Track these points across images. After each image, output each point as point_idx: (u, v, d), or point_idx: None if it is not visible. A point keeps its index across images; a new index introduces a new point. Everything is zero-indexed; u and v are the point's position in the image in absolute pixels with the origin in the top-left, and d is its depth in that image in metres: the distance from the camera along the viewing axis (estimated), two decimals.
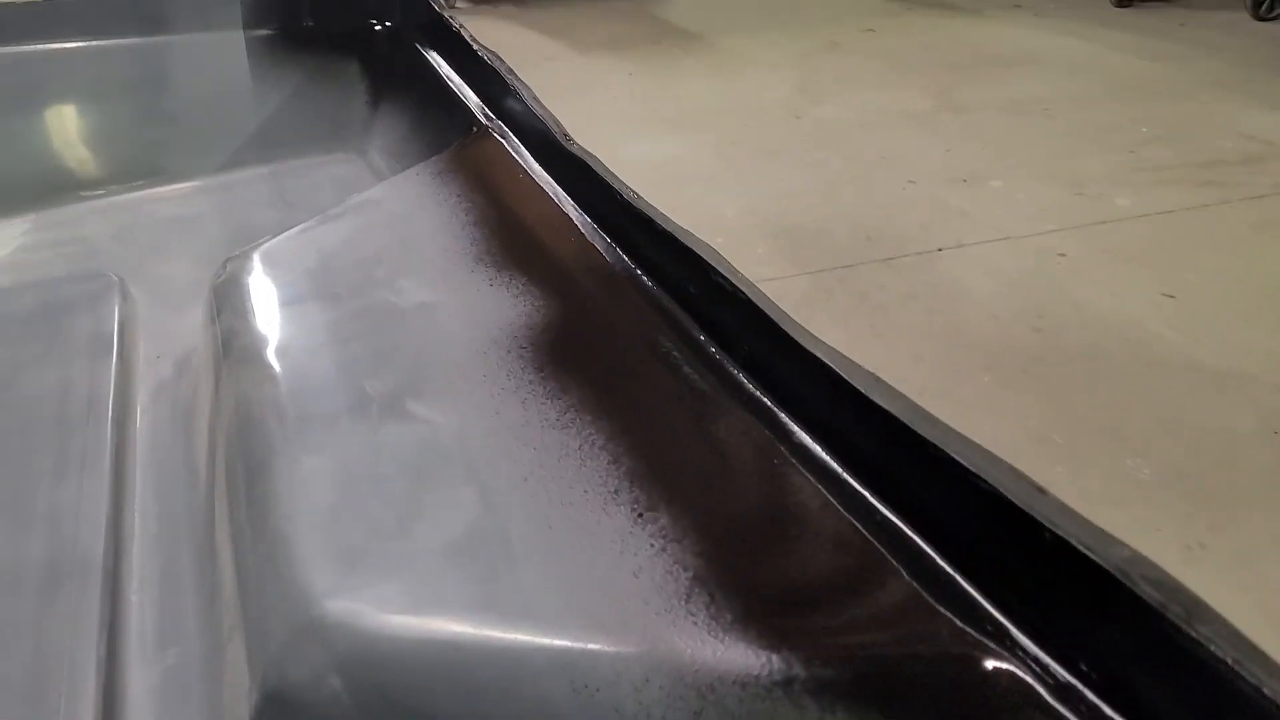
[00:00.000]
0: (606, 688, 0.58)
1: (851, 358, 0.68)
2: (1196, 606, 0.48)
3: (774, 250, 3.07)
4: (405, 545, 0.68)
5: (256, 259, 1.02)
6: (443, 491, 0.73)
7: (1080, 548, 0.52)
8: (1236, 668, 0.45)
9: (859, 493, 0.66)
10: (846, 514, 0.65)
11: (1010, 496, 0.55)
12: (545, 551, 0.67)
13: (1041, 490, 0.56)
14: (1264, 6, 5.24)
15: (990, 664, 0.56)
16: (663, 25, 5.57)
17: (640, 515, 0.69)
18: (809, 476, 0.69)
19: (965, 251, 3.08)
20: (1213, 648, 0.46)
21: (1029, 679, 0.54)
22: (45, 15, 1.43)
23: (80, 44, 1.45)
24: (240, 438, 0.81)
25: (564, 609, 0.62)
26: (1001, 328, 2.69)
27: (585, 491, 0.71)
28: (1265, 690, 0.44)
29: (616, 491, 0.71)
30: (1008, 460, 0.57)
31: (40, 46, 1.44)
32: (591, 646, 0.60)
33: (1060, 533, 0.53)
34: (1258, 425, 2.35)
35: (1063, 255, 3.07)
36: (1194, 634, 0.46)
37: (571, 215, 1.05)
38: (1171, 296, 2.89)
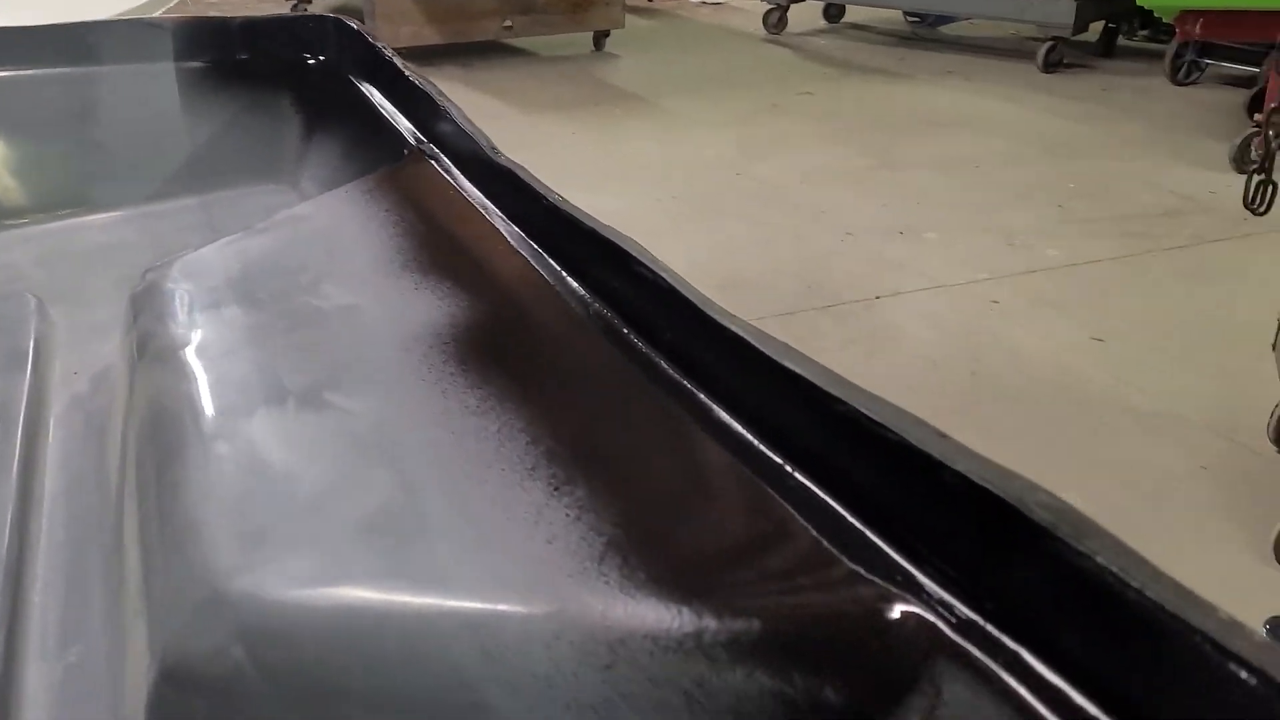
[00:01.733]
0: (517, 648, 0.57)
1: None
2: (1083, 524, 0.49)
3: (717, 299, 3.10)
4: (314, 524, 0.67)
5: (177, 268, 1.01)
6: (356, 474, 0.72)
7: (978, 480, 0.52)
8: (1123, 575, 0.45)
9: (772, 459, 0.67)
10: (758, 479, 0.66)
11: (913, 441, 0.56)
12: (458, 526, 0.66)
13: (942, 435, 0.57)
14: (1181, 72, 5.48)
15: (896, 609, 0.56)
16: (606, 88, 5.67)
17: (556, 489, 0.68)
18: (724, 448, 0.69)
19: (902, 300, 3.14)
20: (1099, 558, 0.46)
21: (933, 619, 0.54)
22: None
23: (9, 73, 1.45)
24: (152, 433, 0.79)
25: (474, 576, 0.62)
26: (939, 372, 2.73)
27: (502, 470, 0.71)
28: (1148, 593, 0.44)
29: (533, 468, 0.71)
30: None
31: None
32: (501, 608, 0.59)
33: (959, 468, 0.53)
34: (1187, 463, 2.40)
35: (996, 302, 3.15)
36: (1081, 548, 0.47)
37: (499, 226, 1.06)
38: (1100, 340, 2.96)
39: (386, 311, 0.93)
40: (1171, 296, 3.23)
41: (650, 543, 0.63)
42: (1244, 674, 0.41)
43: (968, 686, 0.52)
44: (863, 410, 0.60)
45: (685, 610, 0.58)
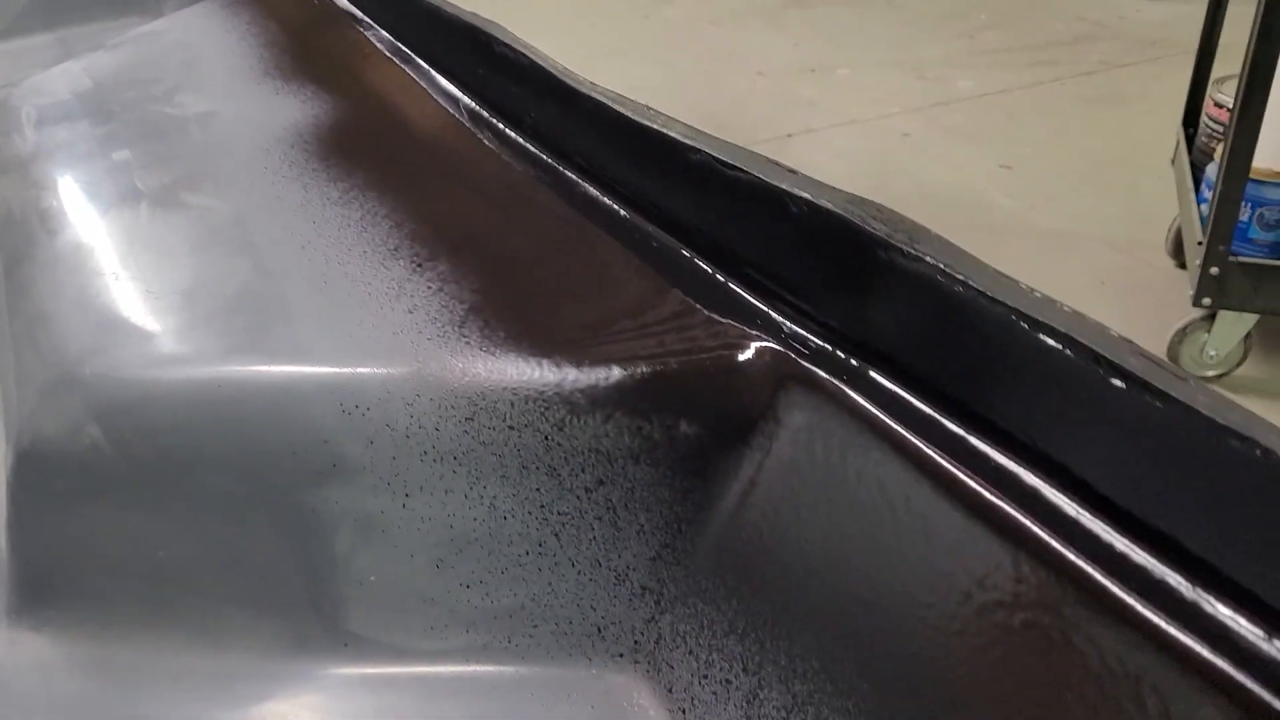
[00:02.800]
0: (377, 406, 0.57)
1: None
2: (917, 230, 0.49)
3: None
4: (170, 310, 0.65)
5: (26, 86, 0.96)
6: (214, 264, 0.70)
7: (817, 201, 0.53)
8: (950, 271, 0.46)
9: (629, 218, 0.66)
10: (615, 239, 0.65)
11: (759, 175, 0.56)
12: (318, 303, 0.65)
13: (791, 170, 0.57)
14: None
15: (751, 346, 0.57)
16: None
17: (419, 266, 0.67)
18: (583, 214, 0.68)
19: (815, 136, 3.12)
20: (929, 260, 0.47)
21: (788, 352, 0.55)
22: None
23: None
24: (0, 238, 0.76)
25: (334, 345, 0.61)
26: None
27: (364, 252, 0.70)
28: (973, 284, 0.45)
29: (396, 249, 0.69)
30: None
31: None
32: (361, 371, 0.59)
33: (804, 195, 0.53)
34: (1088, 278, 2.47)
35: (907, 135, 3.14)
36: (913, 251, 0.48)
37: (365, 31, 1.01)
38: (1009, 168, 2.98)
39: (247, 116, 0.89)
40: (1079, 122, 3.26)
41: (512, 305, 0.63)
42: (1053, 342, 0.42)
43: (819, 406, 0.53)
44: (716, 155, 0.59)
45: (545, 362, 0.58)
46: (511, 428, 0.57)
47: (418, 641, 0.57)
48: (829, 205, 0.52)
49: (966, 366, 0.47)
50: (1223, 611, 0.37)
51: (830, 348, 0.54)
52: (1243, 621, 0.37)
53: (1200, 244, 2.01)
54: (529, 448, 0.57)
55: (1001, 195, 2.85)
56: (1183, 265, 2.24)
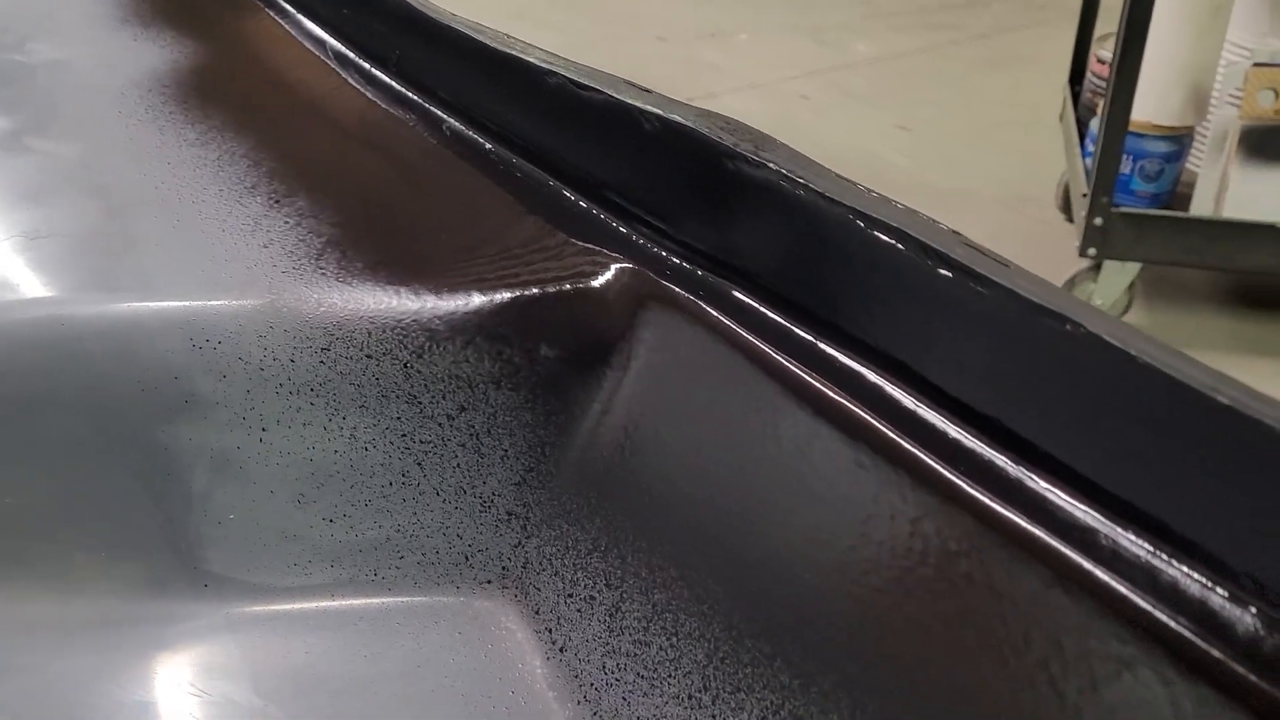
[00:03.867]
0: (228, 339, 0.56)
1: None
2: (764, 139, 0.50)
3: None
4: (12, 250, 0.62)
5: None
6: (62, 207, 0.67)
7: (668, 117, 0.53)
8: (792, 176, 0.47)
9: (489, 147, 0.65)
10: (476, 167, 0.64)
11: (612, 94, 0.56)
12: (170, 240, 0.63)
13: (646, 90, 0.57)
14: None
15: (611, 268, 0.57)
16: None
17: (277, 202, 0.66)
18: (445, 145, 0.67)
19: (716, 100, 3.13)
20: (773, 165, 0.47)
21: (646, 271, 0.55)
22: None
23: None
24: None
25: (185, 280, 0.59)
26: None
27: (219, 190, 0.68)
28: (814, 187, 0.46)
29: (254, 186, 0.67)
30: None
31: None
32: (213, 304, 0.57)
33: (655, 111, 0.53)
34: (980, 233, 2.53)
35: (806, 98, 3.18)
36: (758, 158, 0.48)
37: None
38: (905, 129, 3.04)
39: (101, 63, 0.86)
40: (972, 83, 3.33)
41: (372, 237, 0.62)
42: (886, 237, 0.43)
43: (675, 323, 0.53)
44: (571, 78, 0.59)
45: (403, 290, 0.57)
46: (369, 356, 0.56)
47: (280, 579, 0.56)
48: (680, 120, 0.52)
49: (811, 272, 0.48)
50: (1042, 485, 0.38)
51: (687, 264, 0.54)
52: (1059, 494, 0.38)
53: (1085, 196, 2.07)
54: (388, 376, 0.56)
55: (898, 156, 2.90)
56: (1071, 219, 2.30)
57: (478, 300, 0.57)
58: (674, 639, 0.48)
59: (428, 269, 0.59)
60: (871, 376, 0.45)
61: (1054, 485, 0.38)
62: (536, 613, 0.54)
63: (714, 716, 0.45)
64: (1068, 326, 0.37)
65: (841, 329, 0.47)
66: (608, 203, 0.59)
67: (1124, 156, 2.04)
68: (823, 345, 0.47)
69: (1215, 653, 0.33)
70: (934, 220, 0.44)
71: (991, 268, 0.40)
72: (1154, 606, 0.34)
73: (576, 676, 0.51)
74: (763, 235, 0.50)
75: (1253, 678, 0.32)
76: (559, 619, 0.53)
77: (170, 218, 0.65)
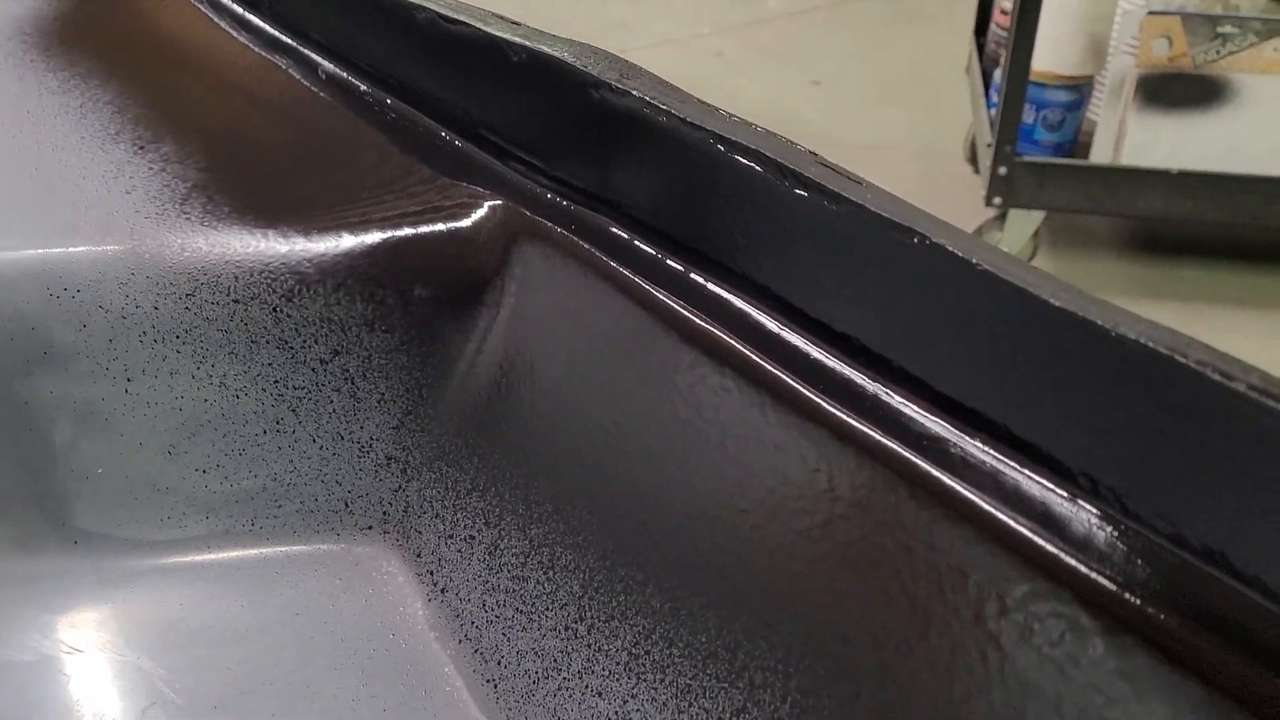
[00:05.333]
0: (88, 287, 0.54)
1: None
2: (629, 68, 0.49)
3: None
4: None
5: None
6: None
7: (535, 48, 0.52)
8: (659, 105, 0.46)
9: (364, 89, 0.64)
10: (349, 108, 0.63)
11: (480, 27, 0.54)
12: (27, 190, 0.60)
13: (516, 23, 0.56)
14: None
15: (486, 206, 0.56)
16: None
17: (141, 148, 0.63)
18: (318, 88, 0.66)
19: (630, 57, 3.10)
20: (636, 93, 0.47)
21: (519, 207, 0.55)
22: None
23: None
24: None
25: (41, 228, 0.57)
26: None
27: (82, 139, 0.65)
28: (676, 113, 0.46)
29: (118, 134, 0.65)
30: None
31: None
32: (70, 252, 0.55)
33: (523, 43, 0.52)
34: (892, 186, 2.56)
35: (720, 54, 3.17)
36: (621, 86, 0.48)
37: None
38: (818, 84, 3.05)
39: None
40: (884, 38, 3.36)
41: (240, 182, 0.60)
42: (745, 160, 0.43)
43: (548, 258, 0.53)
44: (440, 13, 0.57)
45: (271, 233, 0.56)
46: (237, 301, 0.54)
47: (154, 532, 0.55)
48: (546, 50, 0.51)
49: (678, 200, 0.48)
50: (896, 400, 0.39)
51: (560, 199, 0.54)
52: (913, 407, 0.39)
53: (990, 146, 2.11)
54: (257, 321, 0.54)
55: (811, 110, 2.91)
56: (978, 170, 2.34)
57: (348, 242, 0.55)
58: (550, 572, 0.47)
59: (297, 212, 0.57)
60: (738, 303, 0.45)
61: (908, 399, 0.39)
62: (418, 556, 0.54)
63: (590, 645, 0.45)
64: (915, 240, 0.37)
65: (709, 256, 0.47)
66: (482, 140, 0.58)
67: (1026, 106, 2.08)
68: (693, 274, 0.47)
69: (1051, 549, 0.33)
70: (792, 142, 0.44)
71: (845, 185, 0.40)
72: (997, 509, 0.35)
73: (458, 616, 0.51)
74: (631, 166, 0.50)
75: (1083, 569, 0.33)
76: (440, 561, 0.52)
77: (28, 166, 0.62)
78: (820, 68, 3.10)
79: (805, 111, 2.87)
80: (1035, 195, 2.08)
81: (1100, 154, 2.09)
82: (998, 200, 2.10)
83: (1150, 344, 0.31)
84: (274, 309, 0.54)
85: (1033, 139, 2.21)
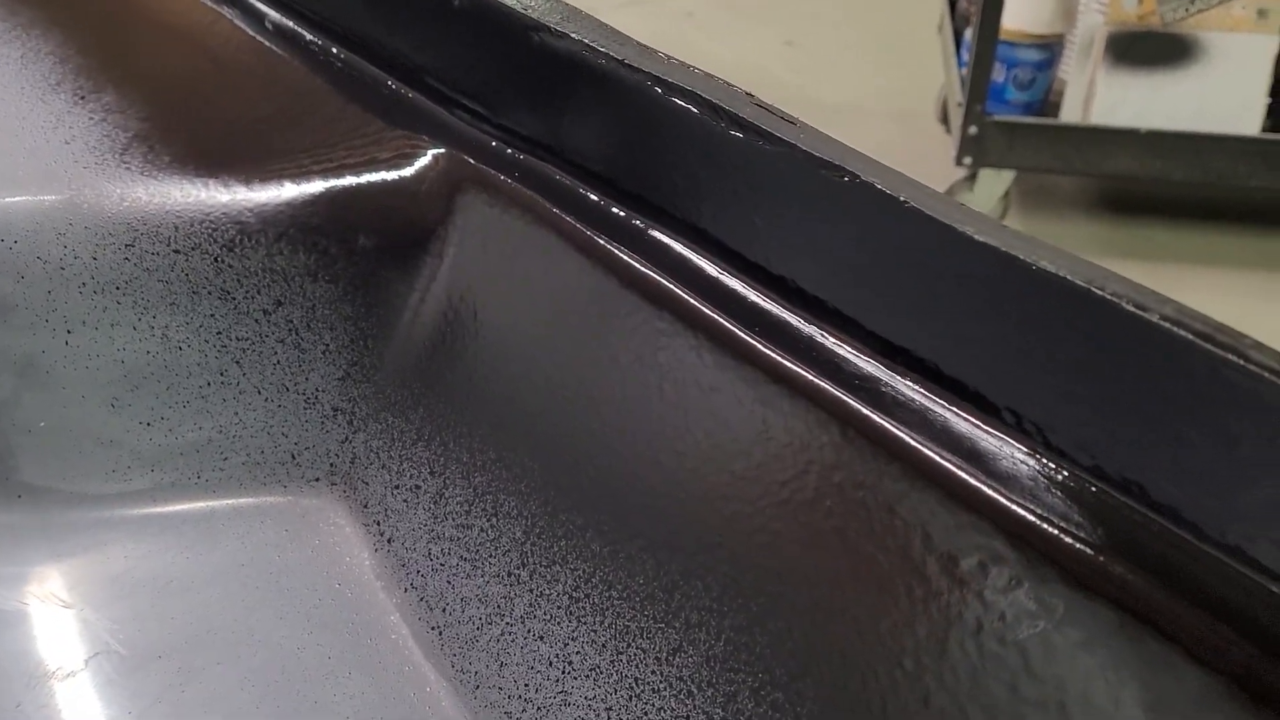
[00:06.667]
0: (25, 238, 0.53)
1: None
2: (570, 12, 0.49)
3: None
4: None
5: None
6: None
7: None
8: (598, 48, 0.46)
9: (320, 43, 0.63)
10: (302, 63, 0.62)
11: None
12: None
13: None
14: None
15: (430, 154, 0.55)
16: None
17: (82, 98, 0.62)
18: (270, 42, 0.64)
19: (598, 18, 3.08)
20: (575, 36, 0.46)
21: (464, 155, 0.54)
22: None
23: None
24: None
25: None
26: None
27: (21, 89, 0.64)
28: (615, 55, 0.45)
29: (58, 84, 0.64)
30: None
31: None
32: (6, 201, 0.54)
33: None
34: (865, 145, 2.55)
35: (691, 14, 3.14)
36: (560, 29, 0.47)
37: None
38: (792, 44, 3.03)
39: None
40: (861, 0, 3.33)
41: (181, 131, 0.59)
42: (682, 102, 0.43)
43: (492, 206, 0.52)
44: None
45: (212, 183, 0.55)
46: (177, 251, 0.54)
47: (99, 486, 0.55)
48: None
49: (620, 145, 0.47)
50: (830, 341, 0.39)
51: (505, 147, 0.53)
52: (846, 347, 0.39)
53: (960, 105, 2.10)
54: (198, 271, 0.54)
55: (786, 71, 2.90)
56: (950, 130, 2.34)
57: (290, 191, 0.55)
58: (494, 519, 0.48)
59: (240, 161, 0.57)
60: (679, 248, 0.45)
61: (842, 340, 0.39)
62: (365, 506, 0.54)
63: (532, 590, 0.45)
64: (845, 178, 0.37)
65: (650, 202, 0.47)
66: (428, 88, 0.58)
67: (997, 65, 2.07)
68: (635, 220, 0.47)
69: (976, 483, 0.34)
70: (729, 84, 0.43)
71: (778, 125, 0.40)
72: (926, 446, 0.35)
73: (404, 565, 0.51)
74: (573, 111, 0.49)
75: (1004, 502, 0.33)
76: (386, 511, 0.52)
77: None
78: (794, 28, 3.08)
79: (780, 73, 2.86)
80: (1005, 155, 2.09)
81: (1070, 113, 2.10)
82: (968, 160, 2.10)
83: (1069, 277, 0.31)
84: (215, 259, 0.54)
85: (1003, 98, 2.21)
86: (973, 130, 2.06)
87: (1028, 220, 2.27)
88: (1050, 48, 2.17)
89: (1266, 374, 0.27)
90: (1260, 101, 1.98)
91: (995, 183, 2.15)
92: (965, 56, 2.21)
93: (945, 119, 2.51)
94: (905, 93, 2.77)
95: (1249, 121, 1.98)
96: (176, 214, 0.54)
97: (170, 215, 0.54)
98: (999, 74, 2.13)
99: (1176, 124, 1.98)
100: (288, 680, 0.47)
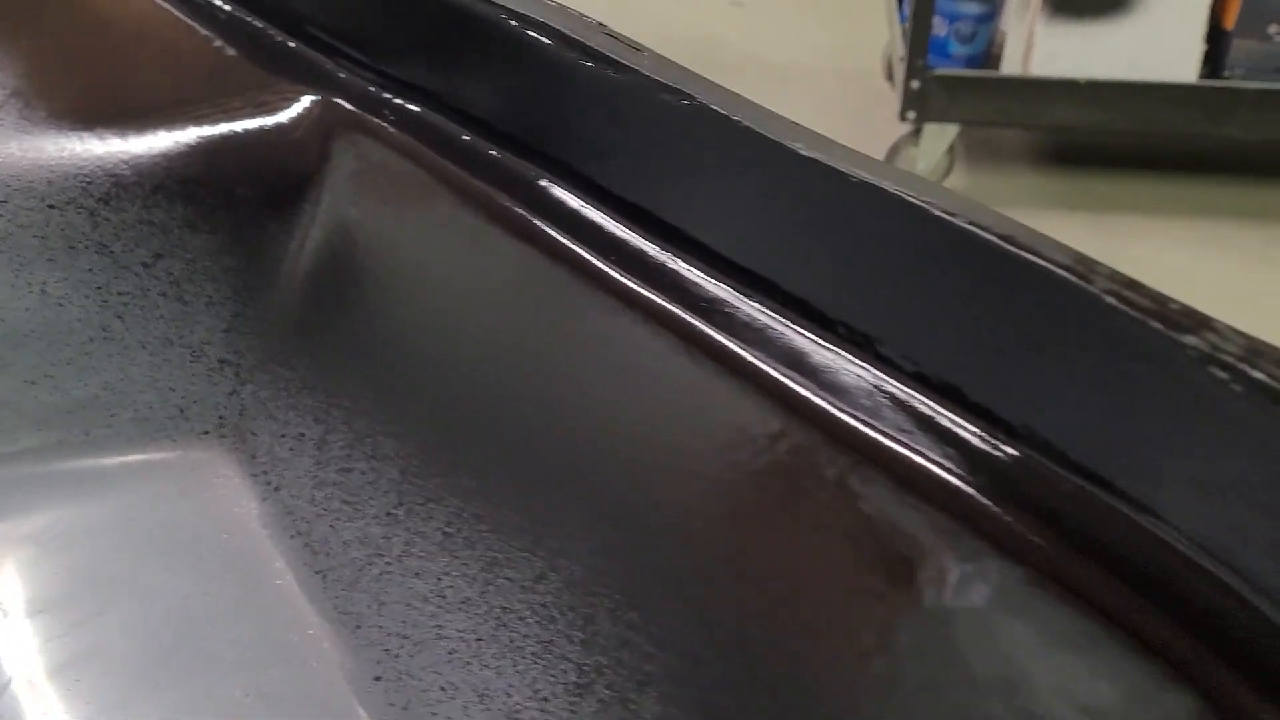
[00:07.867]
0: None
1: None
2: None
3: None
4: None
5: None
6: None
7: None
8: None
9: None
10: (183, 14, 0.61)
11: None
12: None
13: None
14: None
15: (306, 101, 0.55)
16: None
17: None
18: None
19: None
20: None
21: (343, 102, 0.54)
22: None
23: None
24: None
25: None
26: None
27: None
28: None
29: None
30: None
31: None
32: None
33: None
34: (813, 102, 2.55)
35: None
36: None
37: None
38: (739, 5, 3.02)
39: None
40: None
41: (59, 87, 0.58)
42: (535, 34, 0.43)
43: (370, 152, 0.52)
44: None
45: (87, 136, 0.54)
46: (52, 207, 0.53)
47: None
48: None
49: (484, 82, 0.47)
50: (681, 266, 0.39)
51: (381, 91, 0.53)
52: (696, 271, 0.39)
53: (902, 60, 2.10)
54: (74, 226, 0.53)
55: (733, 33, 2.88)
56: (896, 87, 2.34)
57: (165, 142, 0.54)
58: (373, 462, 0.48)
59: (117, 115, 0.56)
60: (544, 183, 0.45)
61: (692, 264, 0.39)
62: (254, 457, 0.53)
63: (408, 529, 0.45)
64: (685, 102, 0.37)
65: (516, 138, 0.46)
66: (306, 35, 0.57)
67: (938, 19, 2.07)
68: (505, 156, 0.47)
69: (817, 400, 0.34)
70: (583, 15, 0.43)
71: (625, 53, 0.39)
72: (764, 362, 0.36)
73: (290, 513, 0.51)
74: (442, 54, 0.49)
75: (841, 416, 0.33)
76: (274, 460, 0.52)
77: None
78: None
79: (727, 34, 2.84)
80: (947, 109, 2.09)
81: (1010, 66, 2.10)
82: (911, 115, 2.10)
83: (888, 186, 0.31)
84: (91, 213, 0.53)
85: (946, 52, 2.21)
86: (915, 85, 2.06)
87: (973, 174, 2.28)
88: (991, 1, 2.17)
89: (1064, 273, 0.28)
90: (1197, 49, 1.99)
91: (939, 138, 2.16)
92: (907, 11, 2.21)
93: (891, 76, 2.51)
94: (852, 51, 2.77)
95: (1186, 69, 2.00)
96: (50, 169, 0.53)
97: (44, 170, 0.53)
98: (940, 28, 2.13)
99: (1115, 74, 1.99)
100: (171, 629, 0.47)
